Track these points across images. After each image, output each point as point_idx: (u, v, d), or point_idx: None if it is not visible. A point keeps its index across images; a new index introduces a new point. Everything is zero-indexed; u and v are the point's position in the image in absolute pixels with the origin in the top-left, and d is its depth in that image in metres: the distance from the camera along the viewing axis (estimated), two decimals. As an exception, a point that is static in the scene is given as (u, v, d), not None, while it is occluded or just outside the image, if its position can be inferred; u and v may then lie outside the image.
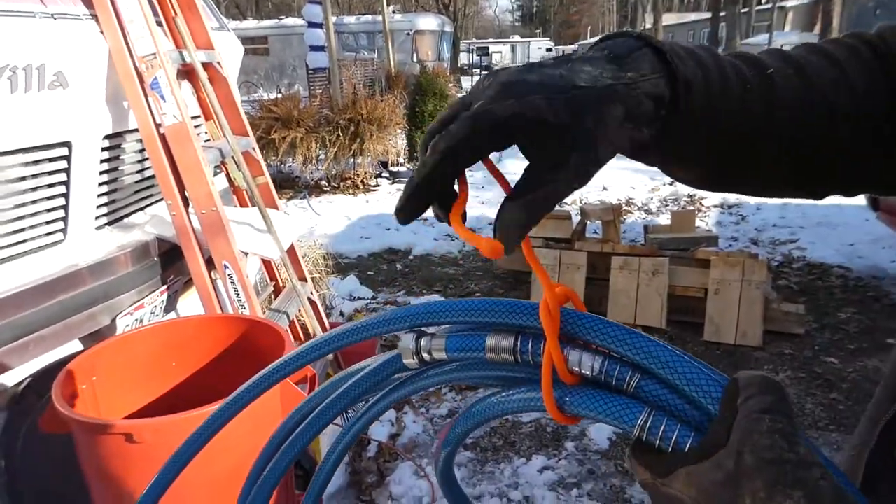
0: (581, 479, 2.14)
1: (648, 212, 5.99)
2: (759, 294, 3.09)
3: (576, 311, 0.39)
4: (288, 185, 6.93)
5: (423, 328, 0.45)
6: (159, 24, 1.94)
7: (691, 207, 5.89)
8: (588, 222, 3.86)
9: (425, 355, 0.44)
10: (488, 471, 2.20)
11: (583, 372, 0.38)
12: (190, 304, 2.27)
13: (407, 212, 0.39)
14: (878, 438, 0.41)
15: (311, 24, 8.99)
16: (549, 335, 0.38)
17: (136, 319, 1.93)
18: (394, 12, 16.08)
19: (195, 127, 1.96)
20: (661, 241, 3.61)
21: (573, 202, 6.14)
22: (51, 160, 1.62)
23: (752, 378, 0.32)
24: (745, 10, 26.30)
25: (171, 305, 2.15)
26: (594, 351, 0.38)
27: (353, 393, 0.49)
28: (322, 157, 6.65)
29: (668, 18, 38.64)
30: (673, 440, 0.34)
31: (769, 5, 24.65)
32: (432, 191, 0.38)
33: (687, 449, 0.33)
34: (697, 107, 0.42)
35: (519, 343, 0.40)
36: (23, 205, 1.59)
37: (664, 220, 5.44)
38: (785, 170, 0.47)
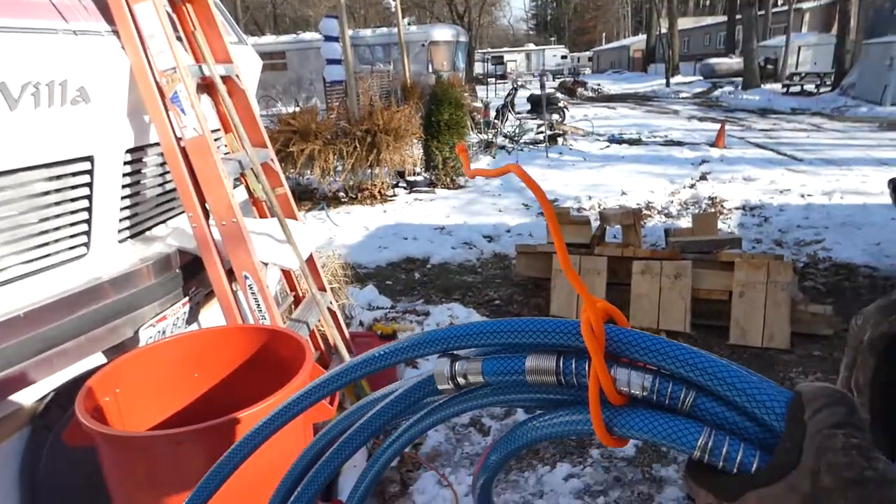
0: (607, 486, 2.10)
1: (669, 215, 5.91)
2: (785, 295, 3.02)
3: (619, 328, 0.37)
4: (306, 196, 6.99)
5: (456, 351, 0.43)
6: (179, 38, 1.97)
7: (713, 210, 5.80)
8: (608, 227, 3.81)
9: (461, 379, 0.42)
10: (512, 479, 2.17)
11: (632, 392, 0.36)
12: (211, 315, 2.28)
13: None
14: None
15: (328, 38, 9.12)
16: (594, 355, 0.36)
17: (159, 331, 1.95)
18: (409, 24, 16.22)
19: (215, 140, 1.98)
20: (683, 244, 3.55)
21: (591, 207, 6.09)
22: (74, 174, 1.65)
23: (819, 390, 0.31)
24: (762, 12, 26.04)
25: (192, 317, 2.16)
26: (643, 369, 0.36)
27: (384, 417, 0.48)
28: (339, 168, 6.70)
29: (684, 23, 38.38)
30: (738, 461, 0.32)
31: (785, 7, 24.38)
32: None
33: (754, 470, 0.32)
34: None
35: (561, 364, 0.38)
36: (46, 219, 1.62)
37: (685, 223, 5.36)
38: None
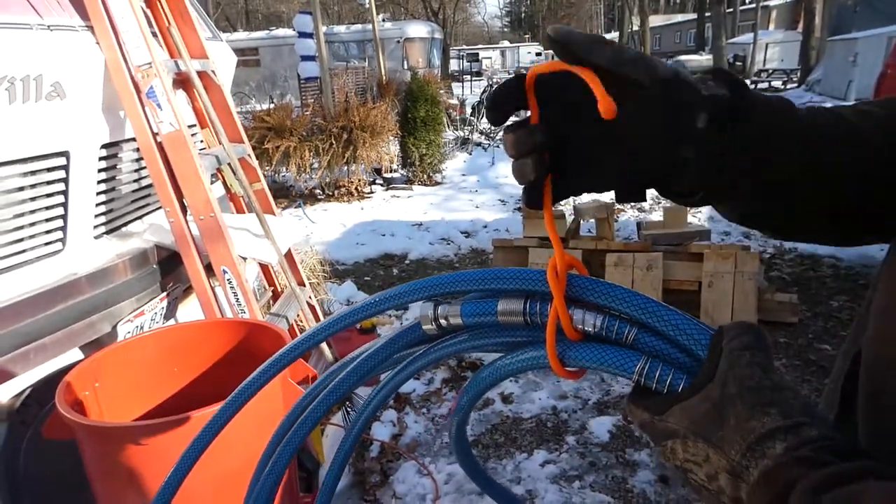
0: (583, 471, 2.16)
1: (641, 210, 6.03)
2: (752, 285, 3.13)
3: (579, 276, 0.43)
4: (282, 194, 6.94)
5: (438, 298, 0.48)
6: (154, 34, 1.96)
7: (684, 204, 5.93)
8: (582, 221, 3.89)
9: (443, 321, 0.47)
10: (491, 467, 2.22)
11: (585, 329, 0.41)
12: (190, 311, 2.28)
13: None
14: (850, 366, 0.44)
15: (302, 35, 9.05)
16: (556, 295, 0.41)
17: (137, 326, 1.95)
18: (383, 20, 16.17)
19: (191, 135, 1.98)
20: (655, 236, 3.65)
21: (566, 203, 6.18)
22: (49, 170, 1.64)
23: (735, 324, 0.37)
24: (730, 9, 26.60)
25: (170, 312, 2.16)
26: (596, 309, 0.41)
27: (375, 359, 0.51)
28: (316, 165, 6.68)
29: (655, 20, 38.97)
30: (668, 382, 0.38)
31: (753, 5, 24.95)
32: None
33: (680, 390, 0.37)
34: (763, 113, 0.42)
35: (528, 305, 0.43)
36: (21, 214, 1.61)
37: (657, 217, 5.48)
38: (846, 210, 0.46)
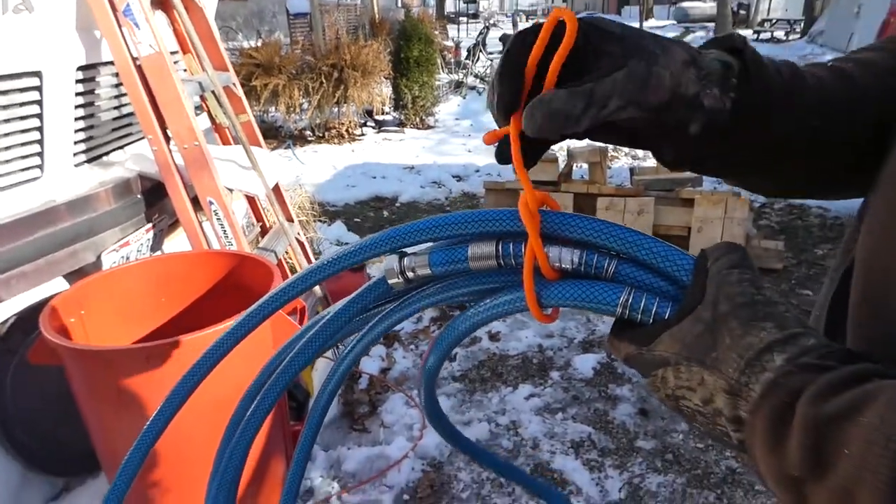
0: (566, 404, 2.22)
1: (635, 157, 5.98)
2: (740, 231, 3.14)
3: (552, 211, 0.39)
4: (271, 135, 6.78)
5: (405, 249, 0.44)
6: (128, -53, 1.85)
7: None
8: (574, 165, 3.85)
9: (410, 273, 0.43)
10: (476, 399, 2.27)
11: (563, 266, 0.38)
12: (176, 244, 2.26)
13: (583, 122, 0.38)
14: (835, 291, 0.44)
15: (290, -33, 8.64)
16: (531, 232, 0.38)
17: (123, 257, 1.92)
18: (376, -45, 15.43)
19: (174, 62, 1.90)
20: (647, 182, 3.63)
21: (561, 149, 6.10)
22: (21, 90, 1.57)
23: (718, 245, 0.36)
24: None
25: (157, 244, 2.14)
26: (573, 245, 0.38)
27: (339, 320, 0.48)
28: (305, 105, 6.51)
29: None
30: (653, 311, 0.36)
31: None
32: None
33: (667, 317, 0.35)
34: (772, 82, 0.41)
35: (500, 247, 0.40)
36: (-5, 137, 1.55)
37: (651, 163, 5.44)
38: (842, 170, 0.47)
